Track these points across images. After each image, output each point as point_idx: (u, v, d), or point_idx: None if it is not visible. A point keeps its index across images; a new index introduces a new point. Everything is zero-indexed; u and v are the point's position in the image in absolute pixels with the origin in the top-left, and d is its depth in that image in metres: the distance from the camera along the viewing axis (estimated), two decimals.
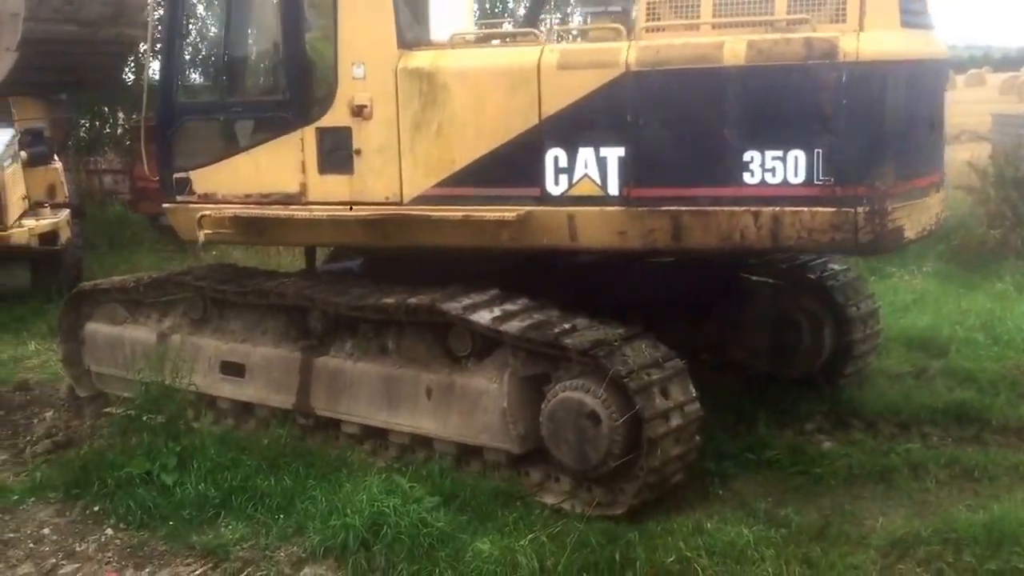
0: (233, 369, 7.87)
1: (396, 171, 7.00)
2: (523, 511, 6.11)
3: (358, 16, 7.02)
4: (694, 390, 6.23)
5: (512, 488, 6.45)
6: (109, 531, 6.42)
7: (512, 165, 6.67)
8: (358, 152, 7.08)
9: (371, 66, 6.97)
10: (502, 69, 6.72)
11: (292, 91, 7.36)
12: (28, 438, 8.23)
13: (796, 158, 5.99)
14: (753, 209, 6.12)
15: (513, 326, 6.40)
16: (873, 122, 5.98)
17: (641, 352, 6.18)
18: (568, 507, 6.24)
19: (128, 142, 20.38)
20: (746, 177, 6.10)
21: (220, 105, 7.97)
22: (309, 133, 7.21)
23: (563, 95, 6.47)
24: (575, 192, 6.54)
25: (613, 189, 6.45)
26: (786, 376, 8.18)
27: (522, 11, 20.91)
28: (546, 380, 6.43)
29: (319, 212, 7.24)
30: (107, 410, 8.53)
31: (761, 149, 6.06)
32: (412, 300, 6.84)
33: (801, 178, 5.99)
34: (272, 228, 7.58)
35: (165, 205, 8.04)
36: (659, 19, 6.50)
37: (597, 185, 6.48)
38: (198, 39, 8.60)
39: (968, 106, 34.45)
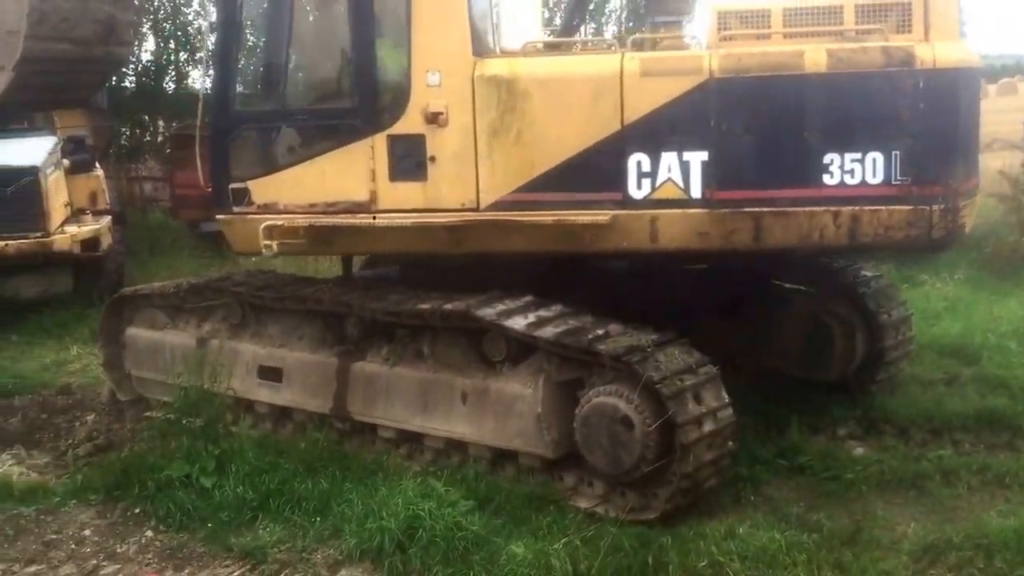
0: (271, 374, 7.99)
1: (473, 177, 7.04)
2: (557, 515, 6.18)
3: (433, 24, 7.05)
4: (727, 396, 6.28)
5: (546, 492, 6.52)
6: (149, 533, 6.53)
7: (594, 170, 6.82)
8: (432, 159, 7.08)
9: (446, 73, 7.01)
10: (584, 76, 6.86)
11: (362, 98, 7.28)
12: (70, 441, 8.40)
13: (874, 160, 6.41)
14: (833, 209, 6.47)
15: (547, 332, 6.47)
16: (948, 125, 6.39)
17: (674, 358, 6.24)
18: (602, 511, 6.30)
19: (168, 150, 20.68)
20: (826, 178, 6.47)
21: (282, 113, 7.67)
22: (380, 140, 7.16)
23: (646, 101, 6.68)
24: (658, 195, 6.74)
25: (696, 192, 6.67)
26: (818, 382, 8.21)
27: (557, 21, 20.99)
28: (580, 385, 6.50)
29: (399, 219, 7.18)
30: (147, 414, 8.68)
31: (840, 151, 6.44)
32: (447, 306, 6.93)
33: (879, 178, 6.40)
34: (343, 237, 7.46)
35: (219, 217, 7.76)
36: (729, 29, 6.79)
37: (680, 188, 6.69)
38: (256, 46, 8.19)
39: (1000, 115, 34.18)
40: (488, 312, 6.76)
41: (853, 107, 6.43)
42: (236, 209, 7.61)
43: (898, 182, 6.38)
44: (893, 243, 6.55)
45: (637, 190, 6.75)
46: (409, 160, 7.13)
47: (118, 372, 9.12)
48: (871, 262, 9.50)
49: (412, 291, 7.47)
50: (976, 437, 7.51)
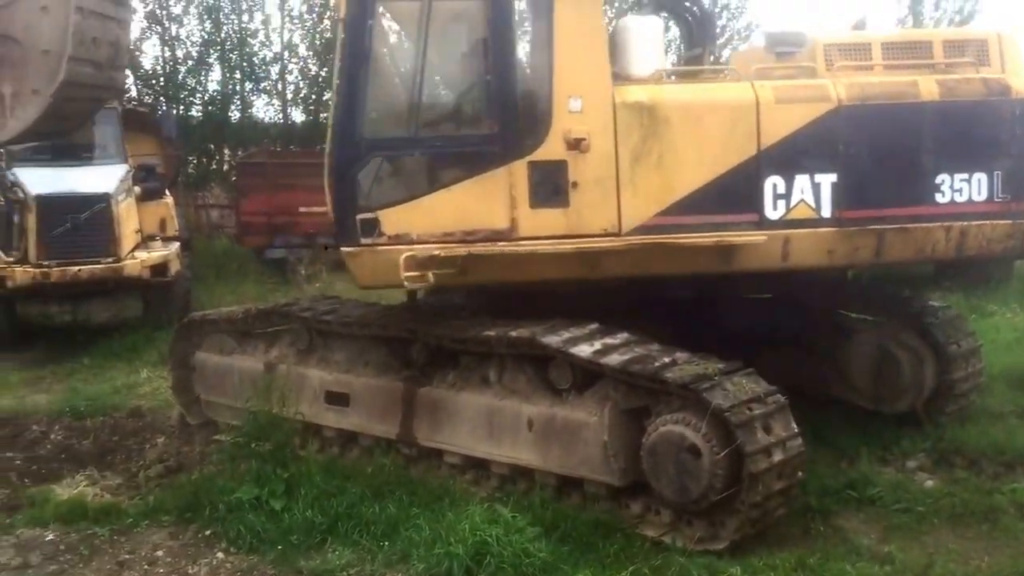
0: (337, 399, 8.08)
1: (615, 203, 7.13)
2: (624, 543, 6.16)
3: (576, 50, 7.11)
4: (796, 426, 6.24)
5: (613, 520, 6.50)
6: (220, 554, 6.60)
7: (731, 193, 7.19)
8: (574, 185, 7.09)
9: (588, 100, 7.07)
10: (722, 103, 7.24)
11: (502, 125, 7.13)
12: (141, 463, 8.54)
13: (979, 179, 7.33)
14: (945, 224, 7.30)
15: (614, 359, 6.48)
16: None
17: (742, 387, 6.21)
18: (669, 540, 6.27)
19: (234, 178, 21.08)
20: (938, 197, 7.29)
21: (416, 141, 7.33)
22: (521, 167, 7.07)
23: (780, 127, 7.19)
24: (792, 216, 7.22)
25: (826, 212, 7.22)
26: (887, 413, 8.12)
27: None
28: (646, 413, 6.49)
29: (542, 246, 7.10)
30: (216, 437, 8.83)
31: (951, 172, 7.30)
32: (513, 333, 6.98)
33: (983, 196, 7.32)
34: (482, 266, 7.14)
35: (345, 249, 7.19)
36: (833, 62, 7.51)
37: (812, 209, 7.23)
38: (387, 72, 7.76)
39: None
40: (554, 340, 6.80)
41: (961, 132, 7.30)
42: (365, 241, 7.16)
43: (999, 199, 7.31)
44: (992, 254, 7.51)
45: (773, 211, 7.20)
46: (550, 186, 7.10)
47: (187, 396, 9.29)
48: (939, 292, 9.39)
49: (478, 318, 7.53)
50: None
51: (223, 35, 23.51)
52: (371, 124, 7.20)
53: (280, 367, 8.43)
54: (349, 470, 7.43)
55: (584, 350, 6.64)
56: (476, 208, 7.11)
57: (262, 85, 23.78)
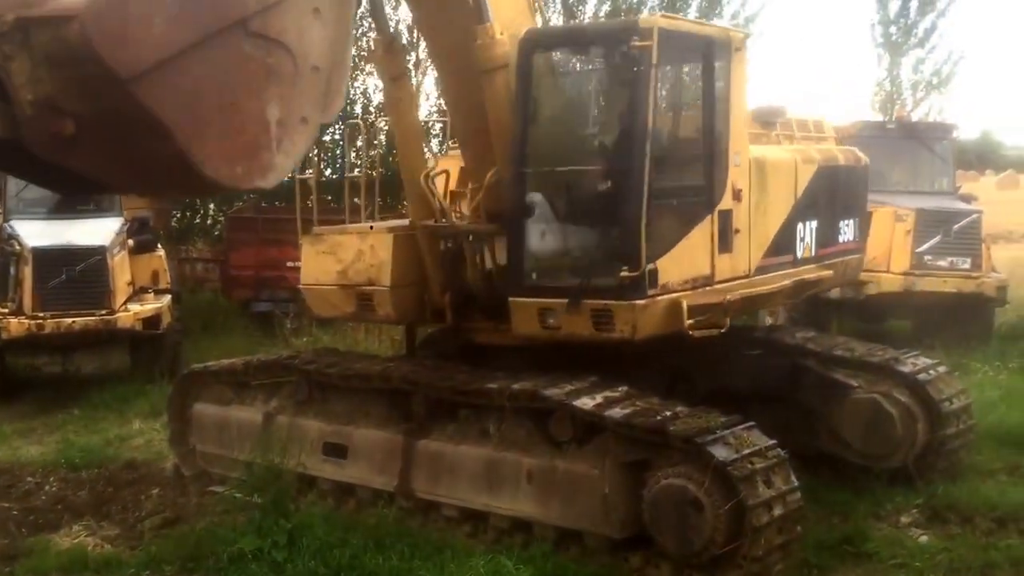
0: (335, 450, 8.11)
1: (747, 247, 8.03)
2: None
3: (739, 110, 7.93)
4: (795, 480, 6.34)
5: (613, 573, 6.58)
6: None
7: (787, 238, 8.67)
8: (736, 231, 7.85)
9: (742, 154, 7.93)
10: (785, 161, 8.75)
11: (707, 178, 7.67)
12: (138, 514, 8.51)
13: (852, 224, 9.80)
14: (844, 259, 9.29)
15: (616, 412, 6.59)
16: None
17: (744, 440, 6.33)
18: None
19: (218, 232, 21.14)
20: (840, 237, 9.42)
21: (666, 191, 7.36)
22: (714, 216, 7.67)
23: (804, 182, 8.91)
24: (806, 255, 9.00)
25: (813, 250, 9.08)
26: (878, 469, 8.22)
27: None
28: (646, 466, 6.56)
29: (771, 287, 8.23)
30: (211, 488, 8.83)
31: (845, 219, 9.55)
32: (515, 386, 7.08)
33: (853, 237, 9.78)
34: (733, 308, 7.59)
35: (639, 303, 7.00)
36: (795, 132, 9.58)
37: (809, 248, 9.08)
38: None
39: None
40: (556, 392, 6.90)
41: (849, 190, 9.73)
42: (651, 292, 7.04)
43: (856, 240, 10.02)
44: (851, 281, 11.23)
45: (800, 252, 8.81)
46: (726, 233, 7.75)
47: (183, 447, 9.29)
48: (920, 350, 9.59)
49: (478, 371, 7.62)
50: None
51: None
52: (649, 175, 7.04)
53: (279, 418, 8.48)
54: (350, 521, 7.47)
55: (586, 403, 6.75)
56: (694, 254, 7.55)
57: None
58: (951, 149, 15.72)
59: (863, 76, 75.74)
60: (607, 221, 7.34)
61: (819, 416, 8.39)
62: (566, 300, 7.10)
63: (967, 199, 15.44)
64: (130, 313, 12.65)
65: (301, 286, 8.69)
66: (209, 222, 23.51)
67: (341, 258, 8.17)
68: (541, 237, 7.44)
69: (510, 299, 7.36)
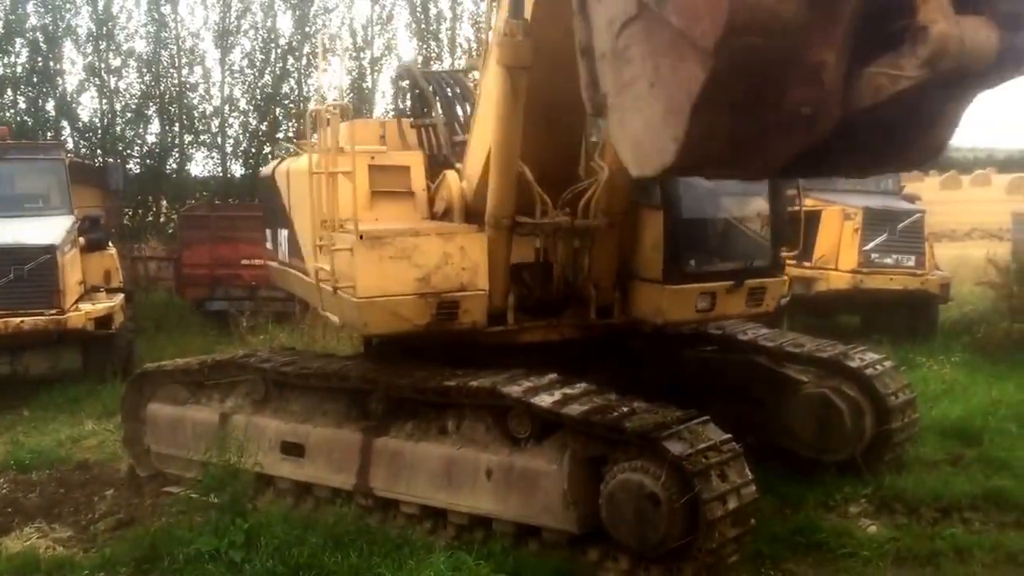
0: (293, 449, 8.12)
1: None
2: None
3: None
4: (750, 473, 6.45)
5: (572, 567, 6.65)
6: None
7: None
8: None
9: None
10: None
11: None
12: (91, 515, 8.46)
13: None
14: None
15: (574, 409, 6.65)
16: None
17: (699, 435, 6.42)
18: None
19: (172, 230, 21.00)
20: None
21: None
22: None
23: None
24: None
25: None
26: (827, 461, 8.40)
27: None
28: (603, 462, 6.62)
29: None
30: (166, 489, 8.79)
31: None
32: (474, 383, 7.13)
33: None
34: None
35: (784, 279, 8.58)
36: None
37: None
38: None
39: (978, 205, 35.03)
40: (514, 389, 6.96)
41: None
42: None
43: None
44: None
45: None
46: None
47: (138, 447, 9.23)
48: (867, 344, 9.79)
49: (437, 368, 7.66)
50: (985, 516, 7.73)
51: (162, 88, 23.48)
52: None
53: (236, 417, 8.46)
54: (309, 520, 7.47)
55: (544, 400, 6.81)
56: None
57: (201, 138, 23.76)
58: None
59: None
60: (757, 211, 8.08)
61: (772, 411, 8.54)
62: (726, 283, 7.86)
63: (910, 199, 15.74)
64: (81, 313, 12.51)
65: (357, 299, 7.24)
66: (162, 220, 23.37)
67: (420, 263, 7.28)
68: (698, 227, 7.90)
69: (667, 287, 7.74)
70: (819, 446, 8.38)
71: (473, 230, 7.51)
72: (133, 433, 9.29)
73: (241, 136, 23.97)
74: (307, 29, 23.96)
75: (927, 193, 22.42)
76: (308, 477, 8.08)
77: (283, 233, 9.54)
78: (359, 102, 23.24)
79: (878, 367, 8.60)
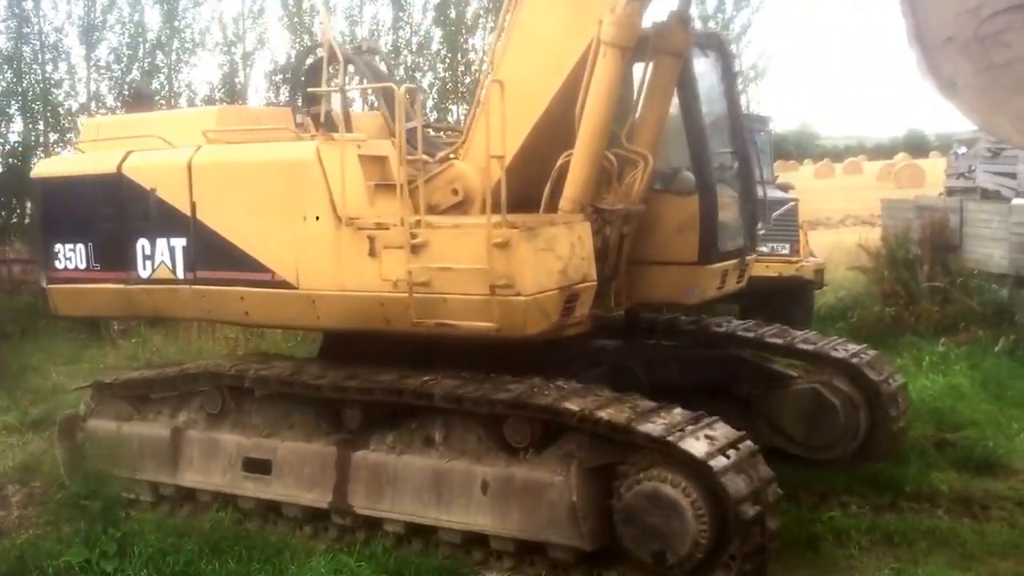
0: (258, 466, 7.51)
1: None
2: None
3: None
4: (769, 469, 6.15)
5: (455, 565, 6.39)
6: None
7: None
8: None
9: None
10: None
11: None
12: None
13: None
14: None
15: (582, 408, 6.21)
16: None
17: (715, 435, 6.09)
18: None
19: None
20: None
21: None
22: None
23: None
24: None
25: None
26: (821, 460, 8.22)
27: None
28: (611, 470, 6.21)
29: None
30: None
31: None
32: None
33: None
34: None
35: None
36: None
37: None
38: None
39: (849, 192, 36.31)
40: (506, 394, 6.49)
41: None
42: None
43: None
44: None
45: None
46: None
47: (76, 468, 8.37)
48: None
49: (420, 373, 7.04)
50: (862, 499, 7.76)
51: (25, 85, 22.16)
52: None
53: (189, 433, 7.85)
54: (184, 527, 7.26)
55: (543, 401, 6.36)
56: None
57: (67, 136, 22.51)
58: (768, 140, 16.27)
59: None
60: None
61: (759, 409, 8.35)
62: (734, 261, 8.08)
63: (784, 188, 16.08)
64: None
65: (525, 297, 6.36)
66: (27, 221, 22.08)
67: (560, 254, 6.59)
68: (723, 210, 7.89)
69: (706, 268, 7.77)
70: (811, 444, 8.23)
71: (579, 219, 6.91)
72: (70, 452, 8.50)
73: None
74: (176, 23, 22.97)
75: (802, 181, 23.02)
76: (276, 496, 7.43)
77: (163, 243, 7.82)
78: (232, 98, 22.36)
79: (863, 355, 8.44)
